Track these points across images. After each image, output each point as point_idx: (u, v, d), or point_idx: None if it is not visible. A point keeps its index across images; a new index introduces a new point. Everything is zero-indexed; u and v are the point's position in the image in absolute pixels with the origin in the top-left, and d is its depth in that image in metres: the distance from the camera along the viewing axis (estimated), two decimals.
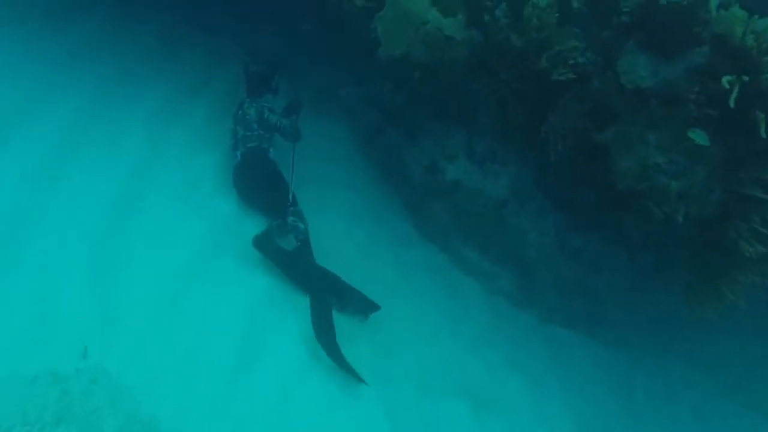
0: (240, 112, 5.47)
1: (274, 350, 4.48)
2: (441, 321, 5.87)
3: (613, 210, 4.35)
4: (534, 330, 6.22)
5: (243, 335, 4.38)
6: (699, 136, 3.57)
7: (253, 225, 5.26)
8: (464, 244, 6.08)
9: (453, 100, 5.10)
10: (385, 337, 5.36)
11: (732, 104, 3.33)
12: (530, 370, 5.81)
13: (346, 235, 5.98)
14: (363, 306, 4.84)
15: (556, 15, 3.93)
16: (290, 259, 4.83)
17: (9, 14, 6.30)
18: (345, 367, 4.35)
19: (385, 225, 6.35)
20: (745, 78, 3.32)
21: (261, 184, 5.24)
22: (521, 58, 4.13)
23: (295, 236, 5.01)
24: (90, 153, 5.18)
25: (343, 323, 4.87)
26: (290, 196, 5.09)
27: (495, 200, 5.43)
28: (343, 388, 4.51)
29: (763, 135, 3.36)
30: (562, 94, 4.12)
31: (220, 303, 4.51)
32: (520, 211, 5.50)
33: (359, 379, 4.33)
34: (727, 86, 3.34)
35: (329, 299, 4.72)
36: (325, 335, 4.46)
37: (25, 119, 5.21)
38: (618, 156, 4.10)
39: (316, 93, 6.62)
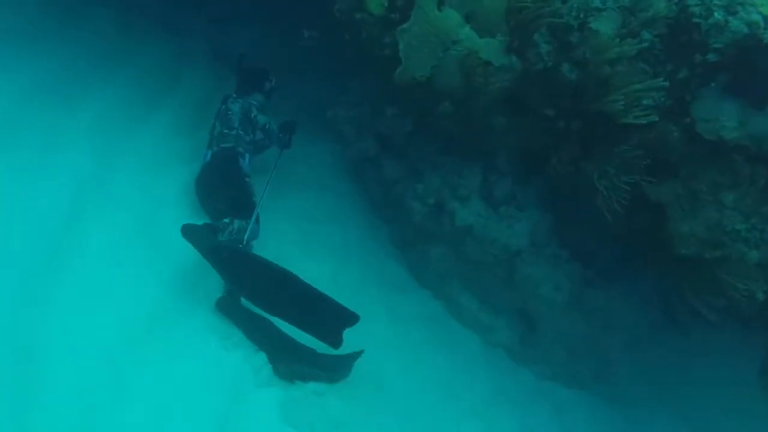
0: (223, 107, 4.60)
1: None
2: (438, 378, 5.02)
3: (663, 273, 3.63)
4: (537, 389, 5.48)
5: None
6: None
7: None
8: (462, 292, 5.27)
9: (471, 134, 4.27)
10: (377, 395, 4.46)
11: None
12: None
13: (332, 276, 5.02)
14: (337, 320, 3.75)
15: (625, 48, 3.17)
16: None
17: None
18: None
19: (375, 266, 5.45)
20: None
21: (219, 193, 4.25)
22: (575, 95, 3.35)
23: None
24: (16, 170, 3.96)
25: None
26: (254, 214, 4.06)
27: (509, 250, 4.64)
28: None
29: None
30: (621, 139, 3.36)
31: (180, 387, 3.39)
32: (535, 261, 4.74)
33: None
34: None
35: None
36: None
37: None
38: (678, 216, 3.39)
39: (305, 110, 5.64)
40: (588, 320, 5.02)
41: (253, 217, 3.99)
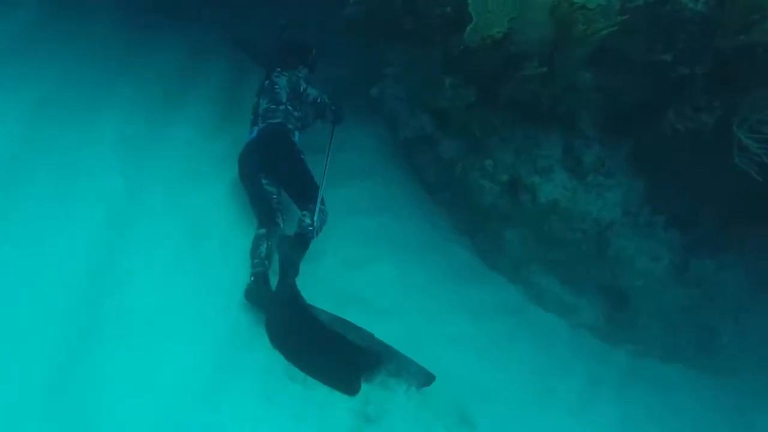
0: (267, 82, 4.15)
1: None
2: (530, 372, 4.45)
3: None
4: (633, 369, 4.89)
5: None
6: None
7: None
8: (542, 274, 4.65)
9: (548, 97, 3.56)
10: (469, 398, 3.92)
11: None
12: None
13: (393, 271, 4.42)
14: (412, 375, 3.22)
15: None
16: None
17: None
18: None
19: (440, 257, 4.84)
20: None
21: (276, 169, 3.74)
22: (704, 31, 2.63)
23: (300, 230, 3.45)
24: (41, 204, 3.38)
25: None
26: (319, 197, 3.56)
27: (600, 223, 3.98)
28: None
29: None
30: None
31: None
32: (628, 232, 4.08)
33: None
34: None
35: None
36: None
37: None
38: None
39: (339, 90, 4.96)
40: (691, 291, 4.37)
41: (318, 204, 3.51)
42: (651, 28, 2.93)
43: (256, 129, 3.91)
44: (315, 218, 3.44)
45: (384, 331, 3.53)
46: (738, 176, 3.34)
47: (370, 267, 4.24)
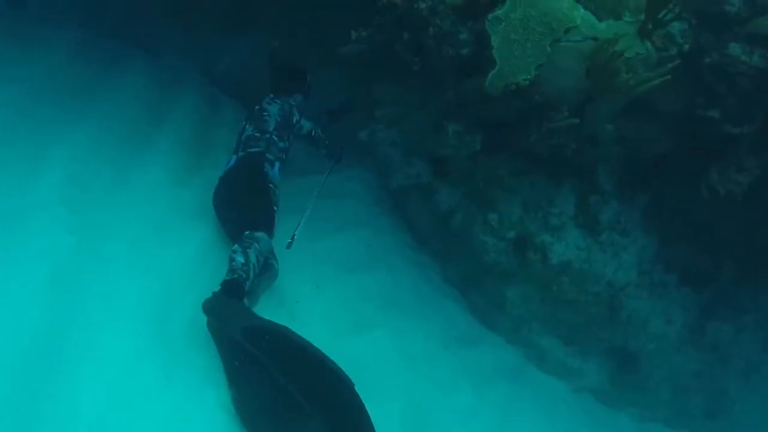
0: (257, 108, 3.87)
1: None
2: None
3: None
4: None
5: None
6: None
7: None
8: (544, 335, 4.24)
9: (566, 147, 3.20)
10: None
11: None
12: None
13: (390, 338, 3.91)
14: None
15: None
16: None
17: None
18: None
19: (436, 315, 4.35)
20: None
21: (238, 200, 3.43)
22: (757, 88, 2.31)
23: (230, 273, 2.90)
24: None
25: None
26: (293, 236, 3.27)
27: (615, 285, 3.61)
28: None
29: None
30: None
31: None
32: (641, 293, 3.72)
33: None
34: None
35: None
36: None
37: None
38: None
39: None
40: (705, 356, 4.03)
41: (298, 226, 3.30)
42: (689, 80, 2.60)
43: (234, 158, 3.63)
44: (297, 229, 3.26)
45: (384, 411, 3.01)
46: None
47: (365, 334, 3.71)
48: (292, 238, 3.24)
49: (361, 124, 4.37)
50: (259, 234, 3.15)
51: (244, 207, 3.35)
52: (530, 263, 3.70)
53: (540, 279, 3.79)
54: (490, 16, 2.55)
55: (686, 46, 2.58)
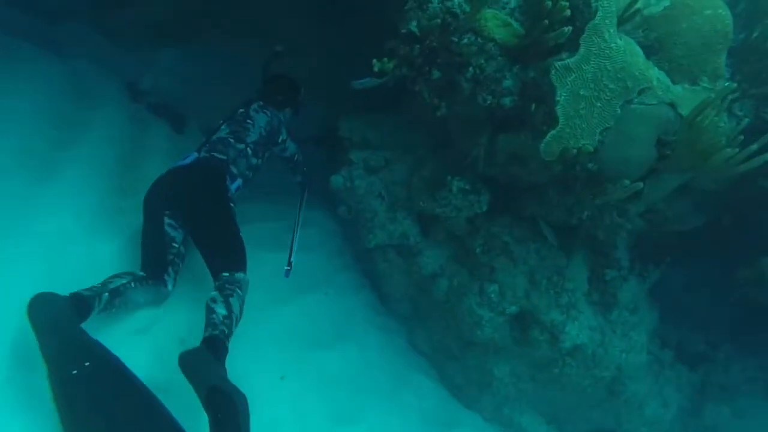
0: (241, 111, 3.40)
1: None
2: None
3: None
4: None
5: None
6: None
7: None
8: (526, 412, 3.73)
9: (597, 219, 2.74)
10: None
11: None
12: None
13: (362, 427, 3.19)
14: None
15: None
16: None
17: None
18: None
19: (410, 395, 3.69)
20: None
21: (191, 212, 2.81)
22: None
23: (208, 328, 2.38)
24: None
25: None
26: (289, 261, 3.07)
27: (621, 368, 3.20)
28: None
29: None
30: None
31: None
32: (644, 374, 3.35)
33: None
34: None
35: None
36: None
37: None
38: None
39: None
40: None
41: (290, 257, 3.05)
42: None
43: (193, 155, 3.05)
44: (292, 255, 3.01)
45: None
46: None
47: (329, 405, 2.95)
48: (289, 264, 2.99)
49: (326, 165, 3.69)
50: (239, 275, 2.63)
51: (211, 235, 2.76)
52: (533, 343, 3.17)
53: (540, 359, 3.26)
54: (558, 64, 2.01)
55: (746, 120, 2.22)
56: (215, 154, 3.03)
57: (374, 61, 2.36)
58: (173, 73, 4.98)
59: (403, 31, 2.26)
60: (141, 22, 4.81)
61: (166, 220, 2.78)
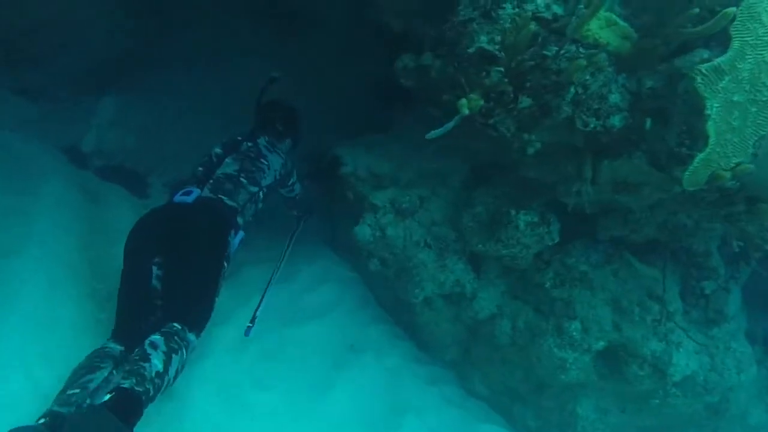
0: (248, 144, 2.97)
1: None
2: None
3: None
4: None
5: None
6: None
7: None
8: None
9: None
10: None
11: None
12: None
13: None
14: None
15: None
16: None
17: None
18: None
19: None
20: None
21: (182, 262, 2.37)
22: None
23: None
24: None
25: None
26: (254, 314, 2.64)
27: (733, 388, 2.79)
28: None
29: None
30: None
31: None
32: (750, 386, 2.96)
33: None
34: None
35: None
36: None
37: None
38: None
39: None
40: None
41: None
42: None
43: (195, 192, 2.61)
44: (258, 309, 2.63)
45: None
46: None
47: None
48: (252, 321, 2.58)
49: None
50: (191, 336, 2.22)
51: (187, 283, 2.35)
52: (633, 379, 2.69)
53: (637, 393, 2.80)
54: (705, 67, 1.48)
55: None
56: (223, 197, 2.62)
57: (462, 102, 1.74)
58: (119, 125, 4.16)
59: (471, 50, 1.66)
60: (65, 74, 3.96)
61: (155, 270, 2.34)
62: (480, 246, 2.51)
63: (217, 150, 2.92)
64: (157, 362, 1.96)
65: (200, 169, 2.81)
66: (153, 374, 1.91)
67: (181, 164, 4.15)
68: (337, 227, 3.92)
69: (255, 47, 4.79)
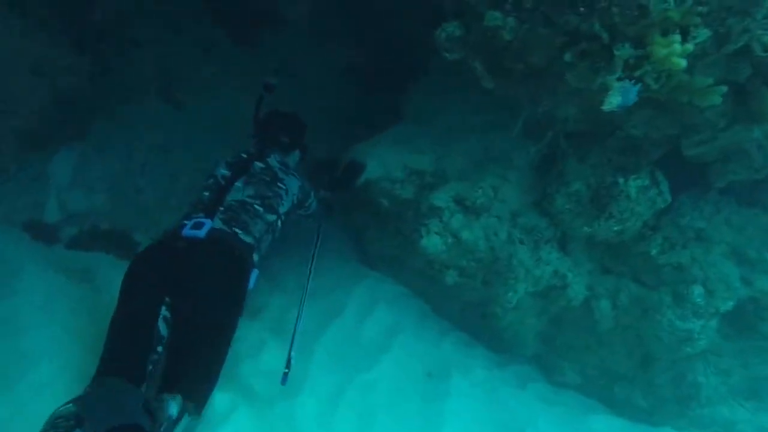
0: (259, 165, 2.57)
1: None
2: None
3: None
4: None
5: None
6: None
7: None
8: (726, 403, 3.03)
9: None
10: None
11: None
12: None
13: None
14: None
15: None
16: None
17: None
18: None
19: None
20: None
21: (192, 305, 2.07)
22: None
23: None
24: None
25: None
26: (288, 361, 2.15)
27: None
28: None
29: None
30: None
31: None
32: None
33: None
34: None
35: None
36: None
37: None
38: None
39: None
40: None
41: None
42: None
43: (207, 223, 2.25)
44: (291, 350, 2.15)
45: None
46: None
47: None
48: (288, 365, 2.14)
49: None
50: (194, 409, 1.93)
51: (197, 340, 2.04)
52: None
53: (763, 346, 2.48)
54: None
55: None
56: (238, 230, 2.27)
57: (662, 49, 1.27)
58: (82, 183, 3.48)
59: None
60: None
61: (163, 311, 2.02)
62: (586, 228, 2.09)
63: (224, 171, 2.54)
64: (172, 409, 1.79)
65: (206, 194, 2.44)
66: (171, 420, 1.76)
67: (164, 213, 3.54)
68: (367, 239, 3.43)
69: (213, 63, 4.18)
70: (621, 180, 1.98)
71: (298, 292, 2.52)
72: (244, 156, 2.65)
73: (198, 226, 2.22)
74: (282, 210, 2.55)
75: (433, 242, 2.34)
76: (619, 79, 1.42)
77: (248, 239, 2.32)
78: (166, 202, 3.67)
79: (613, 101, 1.37)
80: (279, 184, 2.56)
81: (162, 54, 3.98)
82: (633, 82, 1.43)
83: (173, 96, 4.04)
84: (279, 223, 2.55)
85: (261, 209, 2.42)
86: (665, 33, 1.35)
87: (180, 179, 3.81)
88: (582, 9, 1.41)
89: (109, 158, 3.65)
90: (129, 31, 3.90)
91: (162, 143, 3.86)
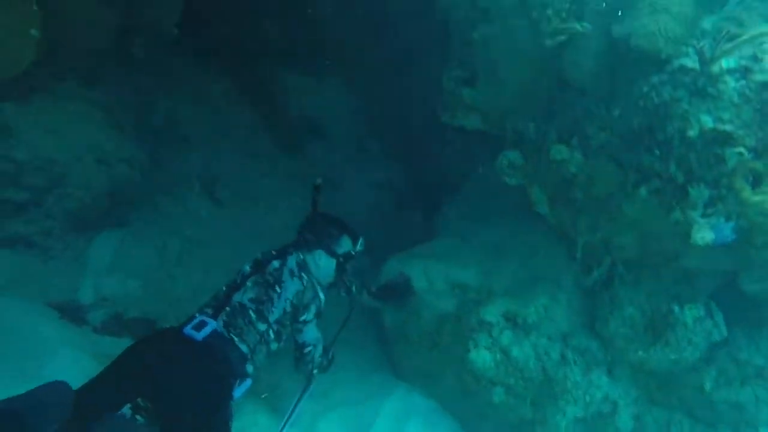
0: (276, 267, 2.48)
1: None
2: None
3: None
4: None
5: None
6: None
7: None
8: None
9: None
10: None
11: None
12: None
13: None
14: None
15: None
16: None
17: None
18: None
19: None
20: None
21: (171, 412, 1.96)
22: None
23: None
24: None
25: None
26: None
27: None
28: None
29: None
30: None
31: None
32: None
33: None
34: None
35: None
36: None
37: None
38: None
39: None
40: None
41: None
42: None
43: (210, 324, 2.21)
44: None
45: None
46: None
47: None
48: None
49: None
50: None
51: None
52: None
53: None
54: None
55: None
56: (235, 337, 2.24)
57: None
58: (118, 268, 3.49)
59: (691, 133, 1.34)
60: (52, 218, 3.32)
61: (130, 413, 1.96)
62: (641, 353, 2.09)
63: (246, 268, 2.51)
64: None
65: (223, 289, 2.44)
66: None
67: (193, 306, 3.51)
68: (397, 350, 3.37)
69: (257, 166, 4.42)
70: (677, 308, 2.03)
71: None
72: (273, 253, 2.60)
73: (200, 326, 2.19)
74: (272, 318, 2.41)
75: (482, 356, 2.31)
76: (704, 216, 1.53)
77: (243, 347, 2.27)
78: (197, 294, 3.65)
79: (706, 236, 1.45)
80: (276, 287, 2.46)
81: (209, 153, 4.20)
82: (725, 219, 1.54)
83: (215, 193, 4.19)
84: (271, 333, 2.41)
85: (254, 316, 2.35)
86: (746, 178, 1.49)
87: (212, 274, 3.82)
88: (657, 152, 1.56)
89: (146, 246, 3.69)
90: (181, 127, 4.16)
91: (199, 237, 3.93)
